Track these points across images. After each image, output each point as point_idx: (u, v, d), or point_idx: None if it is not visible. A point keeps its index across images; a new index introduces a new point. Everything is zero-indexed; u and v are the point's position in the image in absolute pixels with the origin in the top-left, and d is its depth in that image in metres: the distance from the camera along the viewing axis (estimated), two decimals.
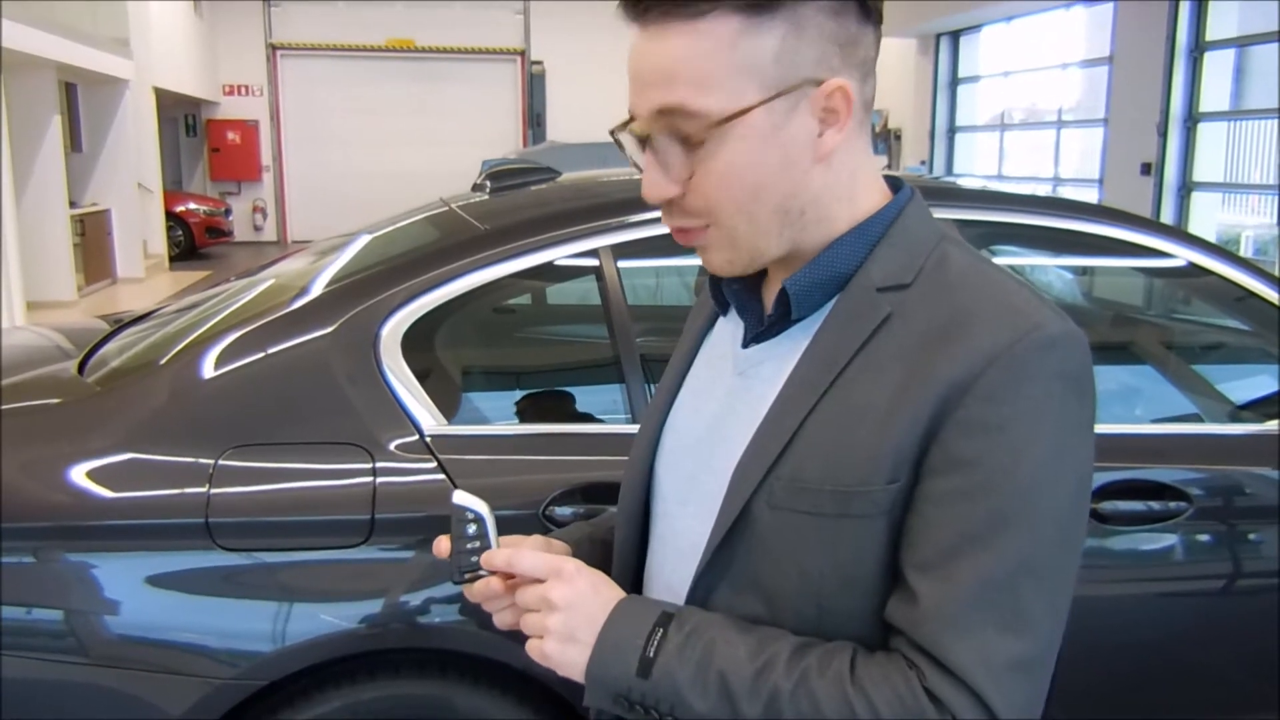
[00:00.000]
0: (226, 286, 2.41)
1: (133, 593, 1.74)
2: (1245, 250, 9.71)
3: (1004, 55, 13.27)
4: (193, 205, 15.56)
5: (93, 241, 11.81)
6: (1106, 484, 1.96)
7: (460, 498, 0.95)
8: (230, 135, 17.70)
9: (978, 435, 0.81)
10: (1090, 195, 11.18)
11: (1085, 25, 11.58)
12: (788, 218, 0.89)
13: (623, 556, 1.05)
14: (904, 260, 0.90)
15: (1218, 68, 9.74)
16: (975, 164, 14.16)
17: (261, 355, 1.83)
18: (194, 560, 1.72)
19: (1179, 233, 2.32)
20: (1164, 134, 9.92)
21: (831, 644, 0.85)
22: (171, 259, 14.40)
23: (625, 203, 2.14)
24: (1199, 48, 9.70)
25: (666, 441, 1.03)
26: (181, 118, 17.60)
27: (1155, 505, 2.00)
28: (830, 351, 0.88)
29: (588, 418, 2.11)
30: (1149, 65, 9.97)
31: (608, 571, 0.97)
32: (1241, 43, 9.53)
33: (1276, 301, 2.22)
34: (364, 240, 2.37)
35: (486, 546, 0.94)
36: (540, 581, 0.91)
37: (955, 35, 14.11)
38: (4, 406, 1.87)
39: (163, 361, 1.87)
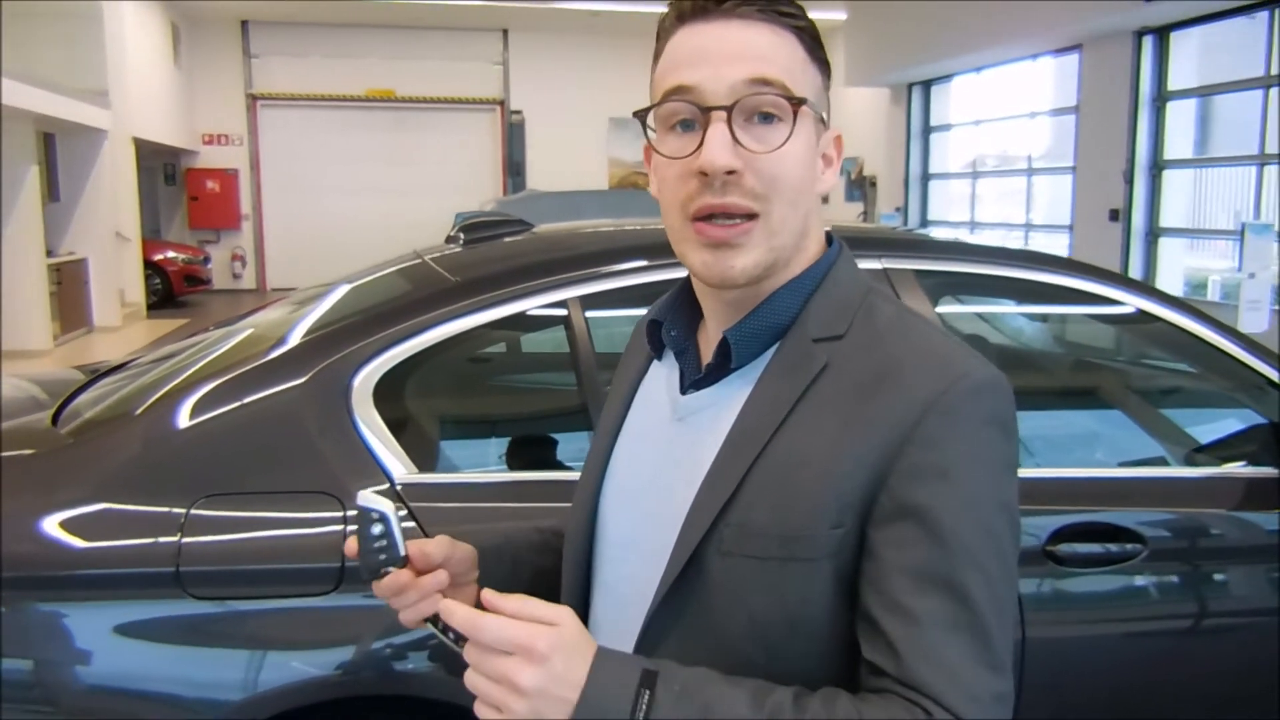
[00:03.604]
0: (203, 336, 2.44)
1: (104, 642, 1.75)
2: (1212, 294, 9.88)
3: (974, 104, 13.54)
4: (171, 254, 15.54)
5: (69, 290, 11.79)
6: (1061, 527, 2.01)
7: (364, 499, 0.96)
8: (209, 184, 17.73)
9: (924, 481, 0.85)
10: (1061, 241, 11.37)
11: (1052, 75, 11.84)
12: (804, 226, 0.95)
13: (569, 603, 1.04)
14: (837, 312, 0.95)
15: (1181, 116, 9.99)
16: (949, 210, 14.37)
17: (235, 405, 1.86)
18: (165, 609, 1.74)
19: (1128, 280, 2.39)
20: (1130, 181, 10.13)
21: (824, 689, 0.86)
22: (149, 307, 14.36)
23: (594, 255, 2.20)
24: (1161, 97, 9.94)
25: (609, 488, 1.05)
26: (160, 167, 17.63)
27: (1112, 548, 2.05)
28: (772, 401, 0.92)
29: (557, 465, 2.15)
30: (1114, 114, 10.21)
31: (535, 593, 0.91)
32: (1202, 93, 9.78)
33: (1221, 345, 2.29)
34: (342, 290, 2.41)
35: (393, 544, 0.96)
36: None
37: (927, 85, 14.39)
38: None
39: (137, 412, 1.90)
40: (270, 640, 1.76)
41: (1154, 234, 10.14)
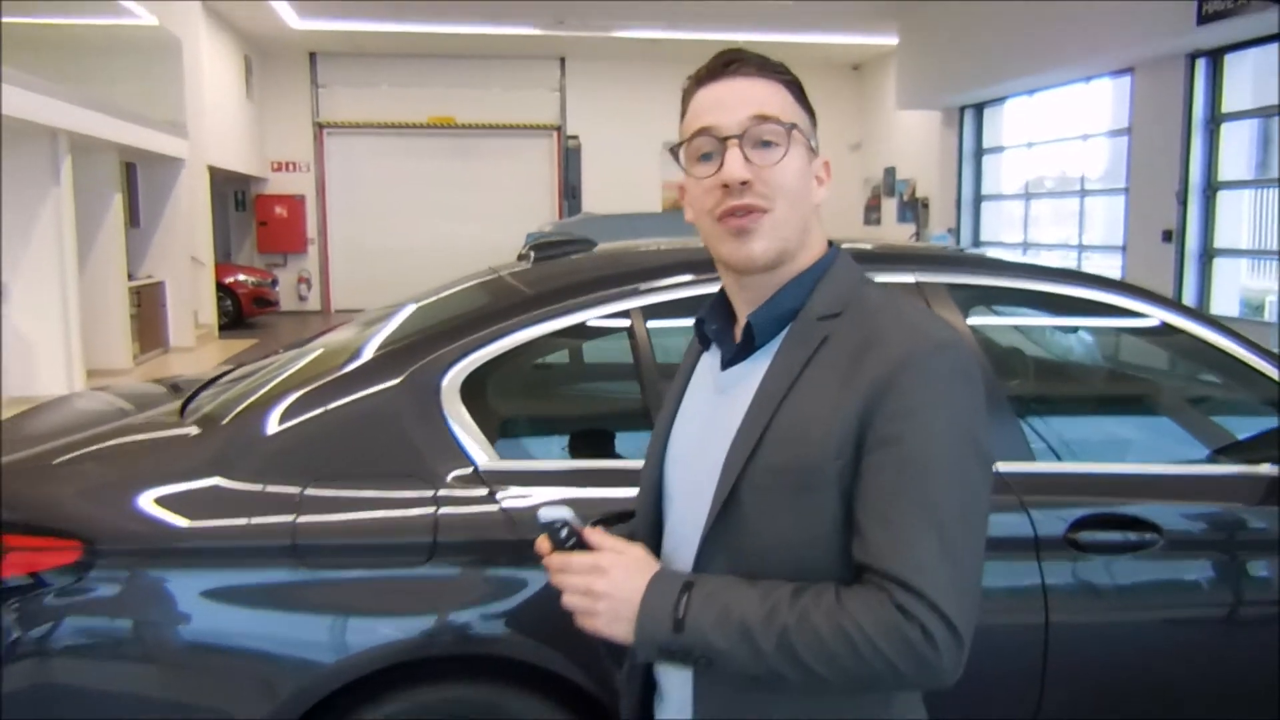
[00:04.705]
0: (311, 344, 2.73)
1: (229, 607, 2.01)
2: (1268, 314, 9.85)
3: (1027, 126, 13.61)
4: (241, 277, 16.11)
5: (148, 312, 12.33)
6: (1083, 516, 2.19)
7: (546, 513, 1.22)
8: (278, 209, 18.36)
9: (898, 420, 1.11)
10: (1114, 262, 11.39)
11: (1105, 97, 11.90)
12: (804, 225, 1.23)
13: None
14: (835, 296, 1.22)
15: (1238, 138, 10.00)
16: (1002, 232, 14.41)
17: (341, 402, 2.13)
18: (283, 576, 2.00)
19: (1150, 294, 2.56)
20: (1184, 202, 10.16)
21: (818, 585, 1.12)
22: (220, 328, 14.91)
23: (654, 269, 2.44)
24: (1215, 119, 9.98)
25: (670, 454, 1.33)
26: (232, 193, 18.29)
27: (1131, 536, 2.22)
28: (785, 368, 1.20)
29: (618, 455, 2.38)
30: (1167, 136, 10.26)
31: None
32: (1256, 115, 9.78)
33: (1240, 356, 2.45)
34: (410, 309, 2.67)
35: (580, 541, 1.21)
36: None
37: (979, 108, 14.49)
38: (125, 440, 2.18)
39: (256, 407, 2.17)
40: (372, 605, 2.01)
41: (1208, 255, 10.15)
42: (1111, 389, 3.08)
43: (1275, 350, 2.53)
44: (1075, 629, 2.18)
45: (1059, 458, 2.50)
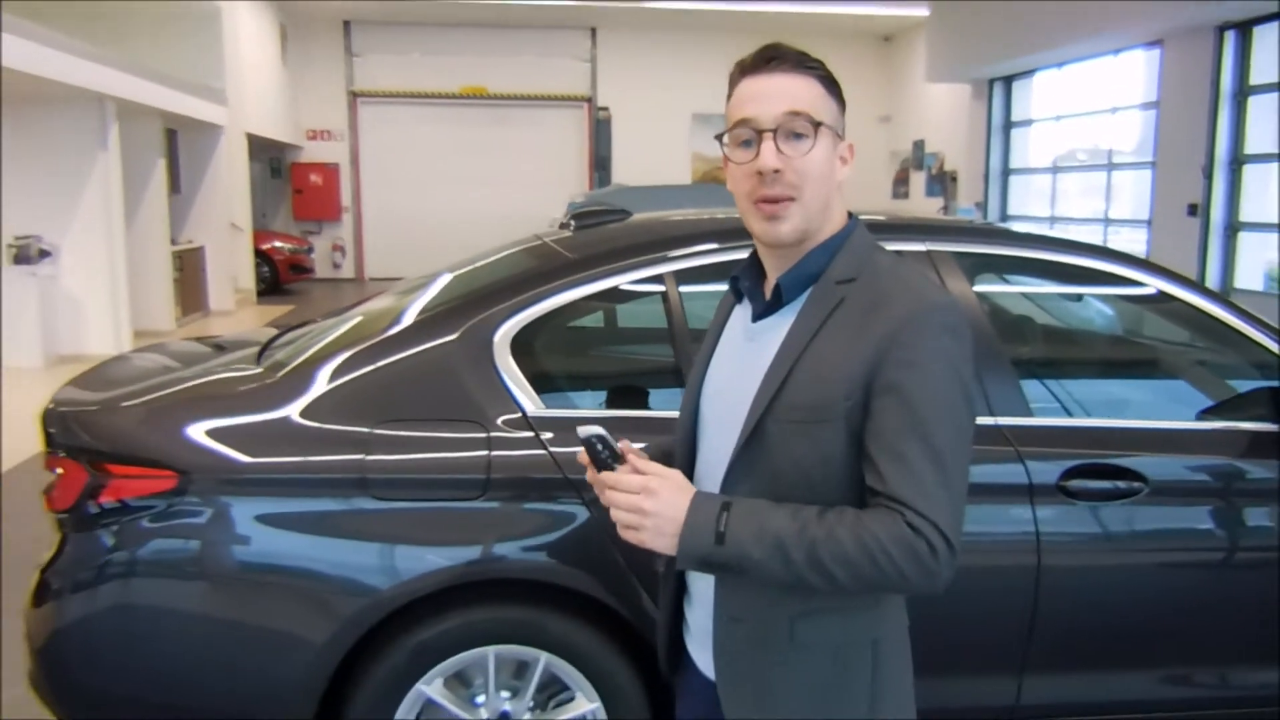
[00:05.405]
0: (367, 305, 2.97)
1: (300, 535, 2.26)
2: None
3: (1056, 100, 13.63)
4: (278, 244, 16.43)
5: (189, 276, 12.69)
6: (1074, 466, 2.40)
7: (584, 432, 1.42)
8: (312, 177, 18.66)
9: (901, 369, 1.34)
10: (1140, 236, 11.46)
11: (1135, 70, 11.91)
12: (827, 203, 1.43)
13: (680, 470, 1.53)
14: (852, 263, 1.44)
15: (1265, 111, 10.03)
16: (1029, 205, 14.46)
17: (404, 354, 2.38)
18: (352, 506, 2.25)
19: (1149, 264, 2.75)
20: (1209, 176, 10.22)
21: (837, 508, 1.34)
22: (258, 294, 15.25)
23: (684, 237, 2.66)
24: (1243, 92, 10.02)
25: (706, 390, 1.56)
26: (267, 160, 18.59)
27: (1120, 484, 2.44)
28: (808, 323, 1.42)
29: (650, 405, 2.62)
30: (1194, 110, 10.31)
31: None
32: None
33: (1231, 322, 2.65)
34: (446, 277, 2.89)
35: (615, 453, 1.41)
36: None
37: (1008, 80, 14.51)
38: (211, 380, 2.43)
39: (328, 355, 2.41)
40: (431, 533, 2.26)
41: (1233, 228, 10.22)
42: (1108, 352, 3.28)
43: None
44: (1064, 567, 2.40)
45: (1068, 413, 2.71)
